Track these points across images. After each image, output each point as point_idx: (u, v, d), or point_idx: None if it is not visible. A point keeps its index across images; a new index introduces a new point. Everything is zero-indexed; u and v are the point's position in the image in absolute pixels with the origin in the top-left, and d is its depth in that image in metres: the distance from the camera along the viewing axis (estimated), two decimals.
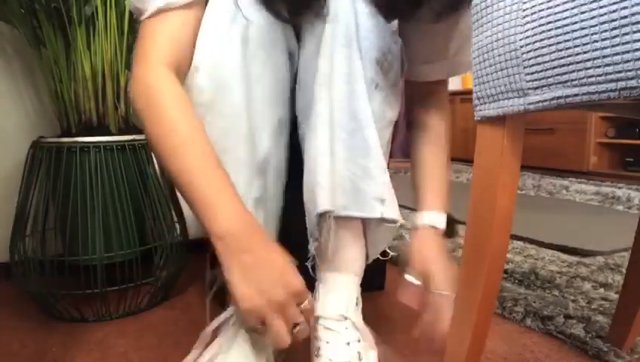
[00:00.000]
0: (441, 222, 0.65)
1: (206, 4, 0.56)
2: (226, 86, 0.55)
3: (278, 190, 0.64)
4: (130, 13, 0.94)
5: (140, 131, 0.98)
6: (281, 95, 0.61)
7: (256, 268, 0.49)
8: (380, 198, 0.56)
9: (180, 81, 0.55)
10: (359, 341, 0.60)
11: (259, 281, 0.49)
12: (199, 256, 1.30)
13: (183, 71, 0.55)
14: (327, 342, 0.59)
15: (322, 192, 0.55)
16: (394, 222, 0.57)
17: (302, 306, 0.52)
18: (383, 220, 0.56)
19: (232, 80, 0.55)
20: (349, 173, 0.56)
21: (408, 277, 0.60)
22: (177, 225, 0.99)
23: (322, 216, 0.55)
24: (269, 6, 0.55)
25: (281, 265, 0.51)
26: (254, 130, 0.57)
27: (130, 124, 1.00)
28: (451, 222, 0.67)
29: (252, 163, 0.57)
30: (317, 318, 0.61)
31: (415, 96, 0.72)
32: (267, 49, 0.57)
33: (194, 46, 0.55)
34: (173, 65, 0.54)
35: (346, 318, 0.60)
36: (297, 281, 0.51)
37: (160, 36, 0.53)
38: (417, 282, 0.60)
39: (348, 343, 0.59)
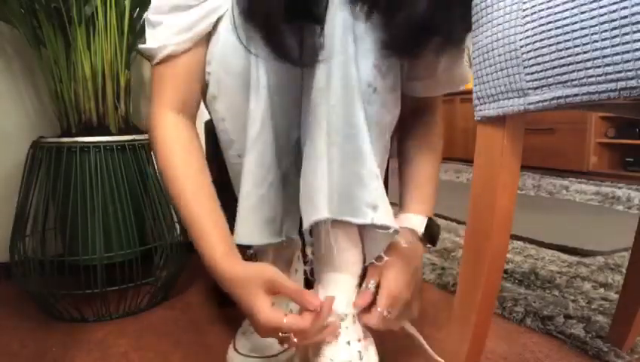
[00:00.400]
0: (420, 225, 0.64)
1: (208, 40, 0.60)
2: (248, 125, 0.60)
3: (297, 200, 0.66)
4: (130, 13, 0.94)
5: (140, 131, 0.98)
6: (299, 117, 0.62)
7: (244, 311, 0.57)
8: (372, 205, 0.56)
9: (188, 113, 0.63)
10: (359, 340, 0.60)
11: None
12: (199, 256, 1.31)
13: (190, 105, 0.63)
14: (328, 342, 0.59)
15: (321, 197, 0.55)
16: (386, 228, 0.57)
17: (283, 335, 0.53)
18: (374, 226, 0.57)
19: (254, 116, 0.58)
20: (343, 178, 0.56)
21: (368, 287, 0.60)
22: (177, 225, 0.99)
23: (316, 220, 0.56)
24: (267, 22, 0.55)
25: (251, 310, 0.54)
26: (278, 151, 0.61)
27: (130, 124, 1.00)
28: (436, 229, 0.66)
29: (275, 176, 0.62)
30: None
31: (408, 108, 0.71)
32: (285, 83, 0.59)
33: (200, 80, 0.62)
34: (180, 104, 0.62)
35: (345, 317, 0.60)
36: (267, 322, 0.53)
37: (166, 81, 0.61)
38: (370, 294, 0.59)
39: (348, 342, 0.59)
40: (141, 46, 0.61)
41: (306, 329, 0.53)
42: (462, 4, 0.52)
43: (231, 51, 0.58)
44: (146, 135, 0.96)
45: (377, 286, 0.60)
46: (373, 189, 0.56)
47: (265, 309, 0.53)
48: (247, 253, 0.69)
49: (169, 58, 0.59)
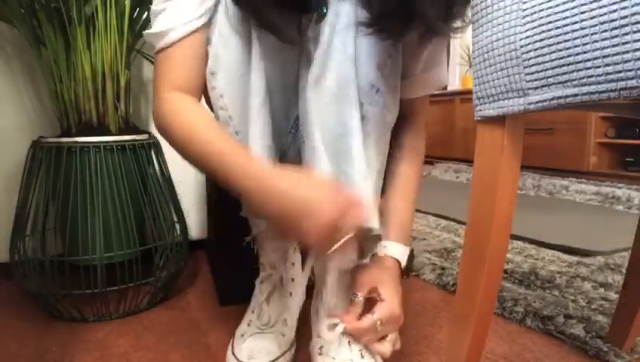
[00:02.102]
0: (404, 256, 0.64)
1: (209, 23, 0.59)
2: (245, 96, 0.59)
3: None
4: (130, 13, 0.94)
5: (140, 131, 0.98)
6: (296, 94, 0.62)
7: (277, 217, 0.52)
8: None
9: (194, 95, 0.61)
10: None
11: (281, 224, 0.52)
12: (199, 256, 1.31)
13: (196, 90, 0.61)
14: (330, 341, 0.59)
15: None
16: (369, 230, 0.57)
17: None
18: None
19: (256, 86, 0.58)
20: (334, 177, 0.56)
21: (357, 299, 0.59)
22: (177, 225, 0.99)
23: None
24: (273, 9, 0.55)
25: (289, 208, 0.50)
26: (276, 126, 0.60)
27: (130, 124, 1.00)
28: (410, 258, 0.65)
29: (273, 150, 0.61)
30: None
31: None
32: (281, 60, 0.59)
33: (204, 66, 0.60)
34: (186, 86, 0.60)
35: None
36: (315, 215, 0.48)
37: (170, 68, 0.60)
38: (360, 305, 0.59)
39: (349, 342, 0.59)
40: (147, 31, 0.60)
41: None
42: None
43: (228, 26, 0.58)
44: (145, 135, 0.96)
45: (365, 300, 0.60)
46: (360, 190, 0.56)
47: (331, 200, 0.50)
48: (246, 239, 0.69)
49: (171, 46, 0.58)
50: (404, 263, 0.63)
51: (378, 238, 0.59)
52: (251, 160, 0.54)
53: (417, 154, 0.71)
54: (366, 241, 0.61)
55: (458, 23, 0.52)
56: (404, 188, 0.67)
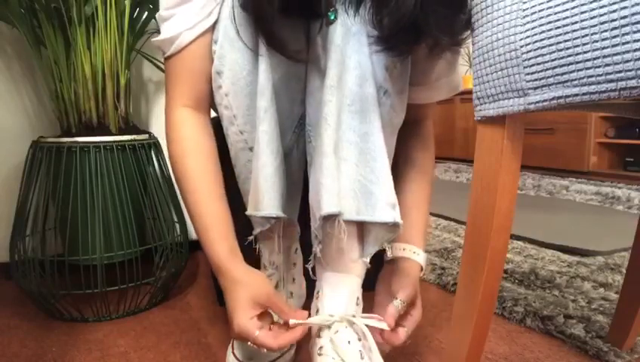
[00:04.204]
0: (423, 260, 0.66)
1: (214, 25, 0.60)
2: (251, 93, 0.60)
3: (300, 176, 0.68)
4: (130, 13, 0.94)
5: (140, 131, 0.98)
6: (302, 93, 0.63)
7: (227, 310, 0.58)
8: (391, 203, 0.57)
9: (202, 108, 0.64)
10: (360, 339, 0.60)
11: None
12: (199, 256, 1.31)
13: (205, 99, 0.63)
14: (330, 341, 0.59)
15: (327, 194, 0.55)
16: (396, 225, 0.57)
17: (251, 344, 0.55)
18: (395, 225, 0.57)
19: (264, 87, 0.58)
20: (361, 177, 0.56)
21: (397, 304, 0.59)
22: (177, 225, 0.99)
23: (327, 218, 0.55)
24: (261, 16, 0.55)
25: (231, 314, 0.56)
26: (281, 125, 0.61)
27: (130, 124, 1.00)
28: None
29: (279, 150, 0.61)
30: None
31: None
32: (286, 60, 0.59)
33: (210, 68, 0.61)
34: (193, 100, 0.63)
35: (351, 318, 0.60)
36: (239, 331, 0.55)
37: (178, 74, 0.62)
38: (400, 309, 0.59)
39: (349, 342, 0.59)
40: (156, 38, 0.60)
41: (272, 348, 0.55)
42: (448, 6, 0.52)
43: (234, 28, 0.58)
44: (145, 135, 0.96)
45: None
46: (391, 188, 0.57)
47: (242, 318, 0.54)
48: (247, 239, 0.69)
49: (183, 47, 0.59)
50: (423, 271, 0.66)
51: (393, 235, 0.59)
52: (222, 241, 0.59)
53: (427, 158, 0.72)
54: (373, 239, 0.61)
55: (463, 35, 0.54)
56: (419, 194, 0.69)
